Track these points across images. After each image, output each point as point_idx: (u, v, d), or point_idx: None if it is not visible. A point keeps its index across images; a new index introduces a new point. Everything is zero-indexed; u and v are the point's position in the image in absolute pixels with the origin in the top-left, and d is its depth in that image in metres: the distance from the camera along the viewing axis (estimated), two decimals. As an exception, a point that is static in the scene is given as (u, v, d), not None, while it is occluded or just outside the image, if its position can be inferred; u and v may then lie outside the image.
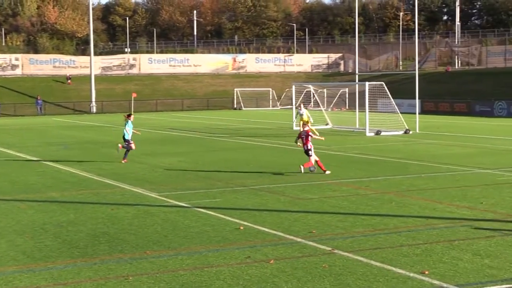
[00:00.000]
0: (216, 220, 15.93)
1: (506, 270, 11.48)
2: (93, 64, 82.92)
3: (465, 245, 13.13)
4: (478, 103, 65.81)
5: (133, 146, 28.50)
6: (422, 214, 16.38)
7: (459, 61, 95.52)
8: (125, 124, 28.67)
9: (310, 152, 23.83)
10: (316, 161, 23.87)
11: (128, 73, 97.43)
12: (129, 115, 29.21)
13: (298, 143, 24.62)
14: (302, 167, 23.75)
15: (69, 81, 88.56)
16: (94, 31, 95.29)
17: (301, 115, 38.46)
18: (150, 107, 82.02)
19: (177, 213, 16.82)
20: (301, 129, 24.64)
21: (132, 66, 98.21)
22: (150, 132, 45.17)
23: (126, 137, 28.45)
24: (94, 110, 79.77)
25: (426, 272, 11.37)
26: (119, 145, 28.96)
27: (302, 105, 40.99)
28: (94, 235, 14.54)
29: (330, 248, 13.01)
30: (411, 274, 11.30)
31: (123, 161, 27.98)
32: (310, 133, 24.32)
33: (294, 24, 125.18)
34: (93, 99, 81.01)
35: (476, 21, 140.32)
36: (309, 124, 38.48)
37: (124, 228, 15.20)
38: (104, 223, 15.73)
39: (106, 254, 12.91)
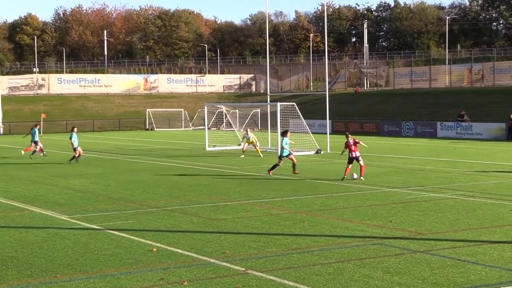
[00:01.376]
0: (128, 242, 15.76)
1: (415, 287, 11.76)
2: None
3: (376, 263, 13.39)
4: (387, 123, 67.37)
5: (293, 157, 29.46)
6: (333, 233, 16.62)
7: (368, 82, 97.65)
8: (282, 141, 29.35)
9: (360, 157, 27.84)
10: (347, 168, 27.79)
11: (37, 94, 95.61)
12: (285, 132, 29.79)
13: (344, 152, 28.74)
14: (359, 175, 27.45)
15: None
16: (0, 50, 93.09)
17: (248, 138, 41.27)
18: (60, 128, 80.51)
19: (88, 236, 16.56)
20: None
21: (41, 86, 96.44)
22: (60, 154, 44.35)
23: (285, 154, 29.11)
24: (1, 131, 77.82)
25: (338, 290, 11.53)
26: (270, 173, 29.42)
27: (248, 130, 42.66)
28: (2, 259, 14.15)
29: (243, 269, 13.05)
30: (324, 293, 11.43)
31: (295, 173, 29.07)
32: (357, 141, 28.38)
33: (206, 45, 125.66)
34: (0, 120, 79.03)
35: (383, 43, 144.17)
36: (257, 146, 40.19)
37: (34, 251, 14.86)
38: (12, 247, 15.33)
39: (14, 279, 12.58)
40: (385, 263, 13.34)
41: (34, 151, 40.68)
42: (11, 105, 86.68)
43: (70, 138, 37.50)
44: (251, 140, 41.04)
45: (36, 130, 41.47)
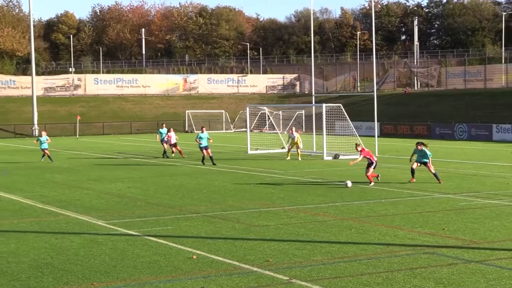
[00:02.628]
0: (167, 249, 15.85)
1: (469, 299, 11.63)
2: (34, 85, 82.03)
3: (427, 273, 13.26)
4: (438, 125, 66.75)
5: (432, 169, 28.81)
6: (382, 241, 16.52)
7: (418, 82, 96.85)
8: (420, 151, 28.87)
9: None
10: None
11: (73, 94, 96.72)
12: (423, 145, 29.24)
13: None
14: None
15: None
16: (35, 50, 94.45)
17: (293, 138, 40.94)
18: (97, 130, 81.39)
19: (126, 242, 16.70)
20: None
21: (77, 86, 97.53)
22: (97, 157, 44.80)
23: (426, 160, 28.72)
24: (37, 133, 78.81)
25: (388, 302, 11.45)
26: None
27: (294, 129, 42.43)
28: (37, 266, 14.34)
29: (287, 278, 13.03)
30: (372, 304, 11.37)
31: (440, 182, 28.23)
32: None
33: (248, 43, 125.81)
34: (35, 121, 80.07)
35: (435, 41, 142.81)
36: (300, 149, 40.07)
37: (70, 258, 15.03)
38: (48, 253, 15.53)
39: (50, 287, 12.74)
40: (438, 274, 13.21)
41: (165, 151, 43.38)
42: (46, 106, 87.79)
43: (198, 138, 37.86)
44: (296, 140, 40.71)
45: (161, 130, 44.02)
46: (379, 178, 28.61)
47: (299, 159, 40.19)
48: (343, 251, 15.41)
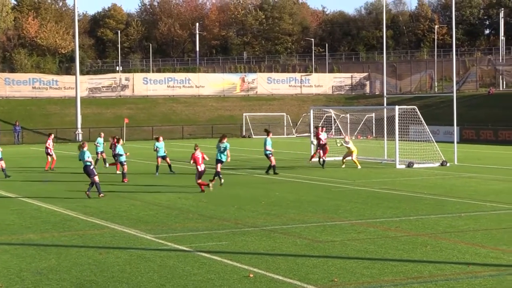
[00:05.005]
0: (222, 266, 15.93)
1: (561, 327, 11.43)
2: (79, 85, 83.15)
3: (513, 297, 13.10)
4: (527, 130, 65.76)
5: None
6: (461, 260, 16.36)
7: (504, 82, 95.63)
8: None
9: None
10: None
11: (120, 95, 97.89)
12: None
13: None
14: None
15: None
16: (80, 47, 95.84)
17: (348, 147, 41.28)
18: (146, 134, 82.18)
19: (176, 258, 16.83)
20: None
21: (124, 87, 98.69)
22: (145, 164, 45.26)
23: None
24: (80, 138, 79.90)
25: (467, 329, 11.34)
26: None
27: (346, 137, 42.93)
28: (80, 284, 14.54)
29: (354, 300, 13.00)
30: (450, 331, 11.27)
31: None
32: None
33: (312, 39, 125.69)
34: (79, 125, 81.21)
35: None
36: (354, 158, 40.79)
37: (115, 275, 15.21)
38: (91, 270, 15.74)
39: (93, 306, 12.93)
40: (525, 298, 13.03)
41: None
42: (91, 109, 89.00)
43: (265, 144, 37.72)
44: (351, 149, 41.19)
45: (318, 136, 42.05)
46: (210, 186, 29.90)
47: (359, 167, 40.46)
48: (417, 270, 15.30)
